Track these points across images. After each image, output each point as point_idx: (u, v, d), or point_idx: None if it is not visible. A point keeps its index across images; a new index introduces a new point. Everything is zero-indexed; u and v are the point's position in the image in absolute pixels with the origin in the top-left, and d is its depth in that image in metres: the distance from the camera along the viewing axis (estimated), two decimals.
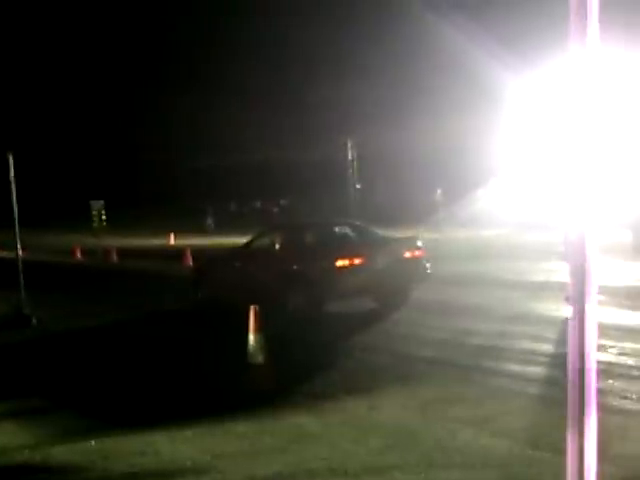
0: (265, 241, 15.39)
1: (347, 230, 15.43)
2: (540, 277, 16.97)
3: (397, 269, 13.73)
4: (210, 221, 53.80)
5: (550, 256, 20.23)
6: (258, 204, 65.42)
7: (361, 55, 55.07)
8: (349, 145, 19.17)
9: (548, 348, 9.85)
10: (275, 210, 64.91)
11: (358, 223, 16.22)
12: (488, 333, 11.03)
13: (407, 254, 14.05)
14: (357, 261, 13.16)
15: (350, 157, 19.30)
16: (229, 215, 60.43)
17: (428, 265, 14.32)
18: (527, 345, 10.15)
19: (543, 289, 15.22)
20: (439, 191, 41.05)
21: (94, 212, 34.47)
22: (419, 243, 14.43)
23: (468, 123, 40.90)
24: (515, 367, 9.00)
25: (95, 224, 34.50)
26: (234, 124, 64.96)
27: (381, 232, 15.71)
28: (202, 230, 47.27)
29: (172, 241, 39.53)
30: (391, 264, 13.62)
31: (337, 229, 15.56)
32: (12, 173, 15.10)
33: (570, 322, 3.29)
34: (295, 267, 13.74)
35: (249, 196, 65.54)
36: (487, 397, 7.75)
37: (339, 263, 13.08)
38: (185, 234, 40.78)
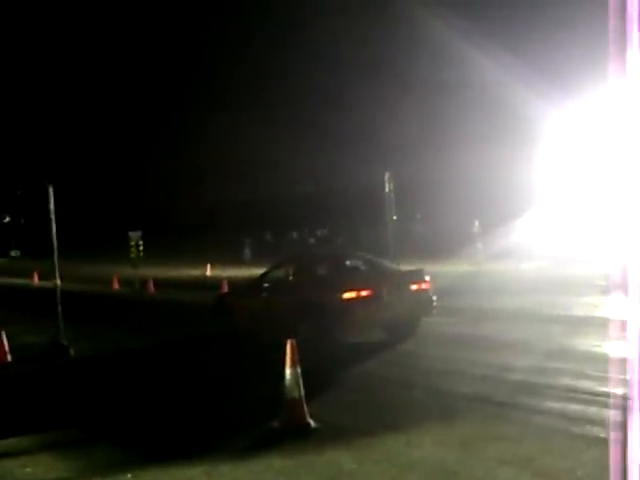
0: (280, 272, 15.91)
1: (358, 262, 15.77)
2: (580, 312, 16.67)
3: (404, 301, 14.10)
4: (247, 252, 53.93)
5: (591, 290, 19.93)
6: (294, 235, 65.52)
7: (399, 87, 55.25)
8: (387, 177, 19.10)
9: (590, 385, 9.62)
10: (312, 241, 64.96)
11: (369, 256, 16.35)
12: (528, 369, 10.83)
13: (414, 286, 14.36)
14: (364, 293, 13.48)
15: (387, 189, 19.21)
16: (266, 246, 60.56)
17: (434, 298, 14.68)
18: (568, 382, 9.93)
19: (584, 324, 14.93)
20: (477, 222, 40.76)
21: (132, 242, 34.58)
22: (426, 276, 14.72)
23: (507, 154, 40.70)
24: (556, 405, 8.81)
25: (133, 254, 34.57)
26: (270, 157, 65.38)
27: (390, 265, 16.04)
28: (239, 261, 47.38)
29: (209, 272, 39.67)
30: (398, 296, 13.97)
31: (348, 261, 15.96)
32: (52, 205, 15.30)
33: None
34: (305, 298, 14.00)
35: (286, 227, 65.71)
36: (527, 435, 7.59)
37: (346, 295, 13.40)
38: (222, 265, 40.92)
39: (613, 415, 7.90)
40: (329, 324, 13.33)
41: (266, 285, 15.52)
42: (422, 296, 14.43)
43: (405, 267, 18.46)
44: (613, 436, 7.07)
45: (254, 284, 16.20)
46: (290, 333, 13.09)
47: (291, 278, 15.33)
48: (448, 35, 43.97)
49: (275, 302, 14.88)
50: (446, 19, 44.82)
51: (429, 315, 14.82)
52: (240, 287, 18.09)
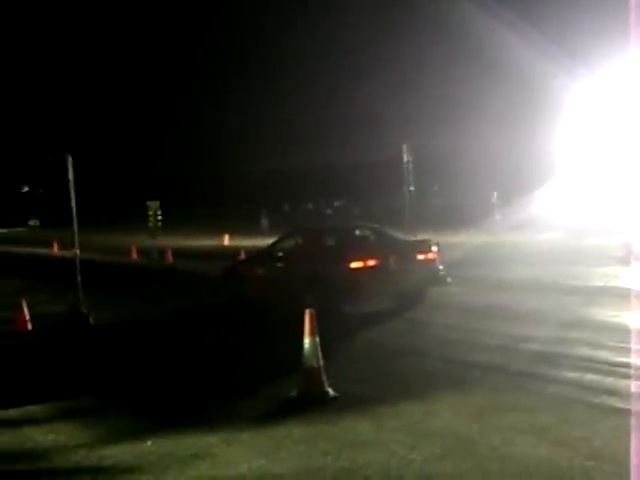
0: (289, 243, 16.16)
1: (366, 233, 16.13)
2: (598, 282, 16.64)
3: (411, 271, 14.35)
4: (264, 222, 54.03)
5: (608, 261, 19.88)
6: (311, 206, 65.52)
7: (419, 60, 54.92)
8: (404, 148, 19.06)
9: (607, 355, 9.64)
10: (328, 211, 64.94)
11: (377, 227, 16.75)
12: (544, 339, 10.85)
13: (421, 257, 14.63)
14: (371, 263, 13.75)
15: (405, 160, 19.19)
16: (283, 216, 60.65)
17: (442, 267, 15.05)
18: (585, 352, 9.94)
19: (601, 294, 14.93)
20: (495, 194, 40.62)
21: (150, 212, 34.70)
22: (433, 247, 14.93)
23: (525, 126, 40.44)
24: (572, 375, 8.82)
25: (151, 224, 34.72)
26: (290, 129, 65.23)
27: (398, 235, 16.30)
28: (256, 231, 47.46)
29: (226, 242, 39.82)
30: (405, 266, 14.19)
31: (356, 232, 16.35)
32: (71, 174, 15.35)
33: None
34: (313, 268, 14.25)
35: (303, 198, 65.69)
36: (544, 405, 7.62)
37: (353, 265, 13.67)
38: (239, 235, 41.04)
39: (635, 386, 7.94)
40: (337, 294, 13.55)
41: (275, 255, 15.76)
42: (429, 266, 14.74)
43: (420, 237, 18.57)
44: (634, 407, 7.13)
45: (264, 254, 16.53)
46: (298, 303, 13.42)
47: (300, 248, 15.59)
48: (468, 8, 43.55)
49: (284, 272, 15.16)
50: None
51: (435, 285, 15.15)
52: (250, 257, 18.37)
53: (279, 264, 15.49)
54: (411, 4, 60.33)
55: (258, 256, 17.13)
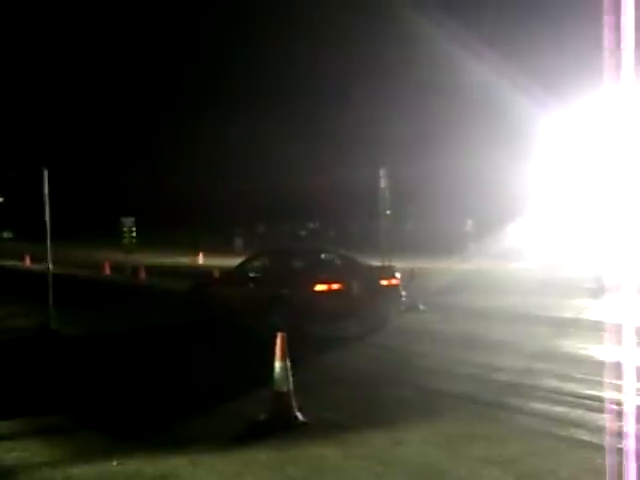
0: (256, 263, 16.47)
1: (331, 257, 16.58)
2: (568, 314, 16.77)
3: (373, 295, 14.72)
4: (239, 242, 53.98)
5: (579, 293, 20.03)
6: (287, 227, 65.52)
7: (392, 88, 55.18)
8: (381, 173, 19.20)
9: (575, 387, 9.68)
10: (303, 233, 64.96)
11: (342, 252, 17.30)
12: (514, 370, 10.89)
13: (384, 282, 15.03)
14: (335, 286, 14.06)
15: (382, 184, 19.32)
16: (258, 237, 60.59)
17: (404, 293, 15.62)
18: (554, 384, 9.99)
19: (571, 326, 15.03)
20: (469, 222, 40.88)
21: (125, 229, 34.62)
22: (396, 272, 15.52)
23: (501, 157, 40.80)
24: (541, 406, 8.85)
25: (125, 240, 34.62)
26: (267, 150, 65.31)
27: (362, 261, 16.47)
28: (231, 251, 47.38)
29: (201, 260, 39.73)
30: (368, 291, 14.56)
31: (322, 256, 16.77)
32: (46, 188, 15.28)
33: None
34: (278, 289, 14.51)
35: (279, 219, 65.71)
36: (513, 436, 7.64)
37: (317, 287, 13.96)
38: (214, 254, 40.93)
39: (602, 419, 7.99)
40: (300, 315, 13.71)
41: (242, 275, 15.94)
42: (391, 291, 15.16)
43: (395, 263, 18.70)
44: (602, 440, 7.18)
45: (230, 274, 16.73)
46: (263, 323, 13.98)
47: (266, 270, 15.84)
48: (442, 37, 44.05)
49: (249, 292, 15.32)
50: (440, 21, 44.94)
51: (397, 310, 15.61)
52: (217, 276, 18.64)
53: (245, 284, 15.62)
54: (384, 31, 60.74)
55: (225, 276, 17.37)
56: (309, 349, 12.36)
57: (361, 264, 16.16)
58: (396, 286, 15.28)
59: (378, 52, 58.32)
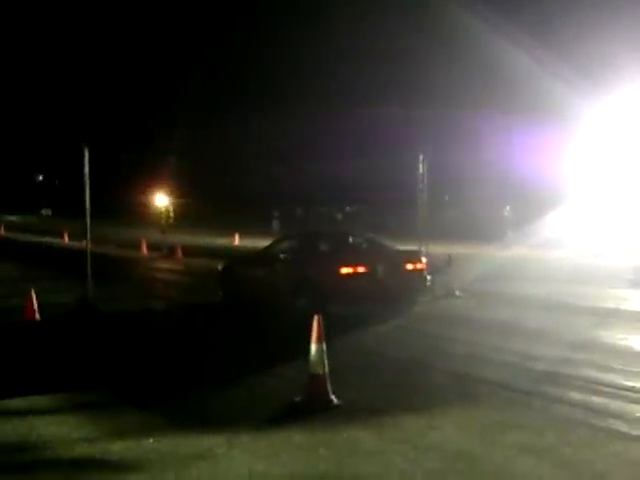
0: (283, 246, 16.71)
1: (358, 240, 16.79)
2: (609, 304, 16.55)
3: (398, 279, 14.83)
4: (275, 224, 54.15)
5: (619, 283, 19.78)
6: (324, 210, 65.54)
7: (438, 74, 54.70)
8: (420, 158, 19.06)
9: (614, 378, 9.56)
10: (339, 217, 64.93)
11: (369, 235, 17.61)
12: (552, 359, 10.78)
13: (409, 266, 15.17)
14: (360, 269, 14.23)
15: (420, 170, 19.18)
16: (295, 220, 60.70)
17: (429, 278, 15.89)
18: (592, 374, 9.88)
19: (611, 316, 14.85)
20: (507, 208, 40.56)
21: (162, 208, 34.96)
22: (422, 257, 15.77)
23: (539, 145, 40.39)
24: (579, 396, 8.75)
25: (163, 220, 34.95)
26: (308, 133, 65.28)
27: (390, 245, 16.73)
28: (267, 233, 47.57)
29: (237, 241, 39.91)
30: (393, 274, 14.70)
31: (349, 239, 16.92)
32: (87, 167, 15.40)
33: None
34: (304, 271, 14.77)
35: (318, 202, 65.74)
36: (549, 425, 7.56)
37: (343, 270, 14.13)
38: (250, 236, 41.08)
39: None
40: (325, 297, 13.81)
41: (270, 257, 16.19)
42: (417, 275, 15.32)
43: (432, 249, 18.68)
44: None
45: (260, 255, 16.98)
46: (289, 305, 14.38)
47: (293, 252, 16.06)
48: (482, 25, 43.62)
49: (277, 274, 15.59)
50: (480, 9, 44.55)
51: (422, 293, 15.91)
52: (247, 257, 18.79)
53: (273, 266, 15.86)
54: (419, 21, 60.16)
55: (254, 257, 17.54)
56: (340, 332, 12.30)
57: (387, 248, 16.33)
58: (421, 270, 15.42)
59: (418, 41, 57.86)
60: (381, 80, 64.30)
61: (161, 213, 36.29)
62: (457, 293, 17.82)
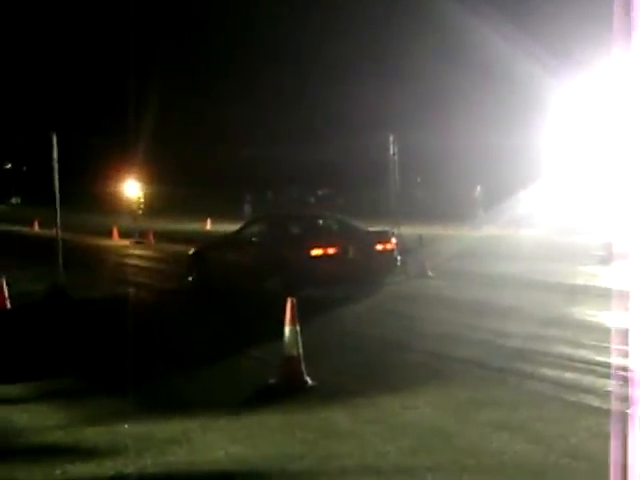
0: (253, 229, 16.72)
1: (328, 222, 16.87)
2: (578, 281, 16.71)
3: (369, 260, 15.02)
4: (247, 208, 53.97)
5: (589, 260, 19.96)
6: (295, 193, 65.47)
7: (404, 53, 54.63)
8: (391, 139, 19.09)
9: (585, 354, 9.66)
10: (312, 200, 64.92)
11: (340, 216, 17.64)
12: (524, 336, 10.87)
13: (379, 247, 15.40)
14: (330, 251, 14.37)
15: (392, 151, 19.22)
16: (266, 203, 60.57)
17: (399, 258, 16.10)
18: (563, 350, 9.98)
19: (581, 293, 14.99)
20: (478, 188, 40.75)
21: (133, 195, 34.82)
22: (392, 237, 15.98)
23: (510, 124, 40.57)
24: (551, 372, 8.85)
25: (134, 207, 34.75)
26: (279, 117, 65.07)
27: (359, 226, 16.78)
28: (239, 217, 47.44)
29: (208, 226, 39.77)
30: (363, 255, 14.88)
31: (319, 221, 17.00)
32: (55, 153, 15.27)
33: None
34: (275, 254, 14.81)
35: (289, 186, 65.65)
36: (522, 401, 7.65)
37: (314, 252, 14.26)
38: (222, 220, 40.95)
39: (612, 386, 7.97)
40: (296, 279, 13.90)
41: (240, 240, 16.26)
42: (387, 256, 15.55)
43: (404, 229, 18.77)
44: (611, 406, 7.17)
45: (229, 239, 17.03)
46: (260, 288, 14.52)
47: (263, 235, 16.11)
48: (455, 6, 43.62)
49: (247, 257, 15.60)
50: None
51: (393, 274, 16.13)
52: (216, 241, 18.81)
53: (243, 249, 15.90)
54: (397, 3, 60.07)
55: (223, 241, 17.58)
56: (313, 314, 12.29)
57: (358, 229, 16.40)
58: (391, 251, 15.64)
59: (386, 19, 57.83)
60: (353, 59, 64.15)
61: (131, 199, 36.00)
62: (429, 273, 17.89)
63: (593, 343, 10.24)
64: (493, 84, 45.79)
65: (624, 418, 6.48)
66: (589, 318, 12.29)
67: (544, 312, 12.90)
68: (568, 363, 9.23)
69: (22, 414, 7.53)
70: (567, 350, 9.96)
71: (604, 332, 10.92)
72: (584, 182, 32.10)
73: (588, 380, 8.37)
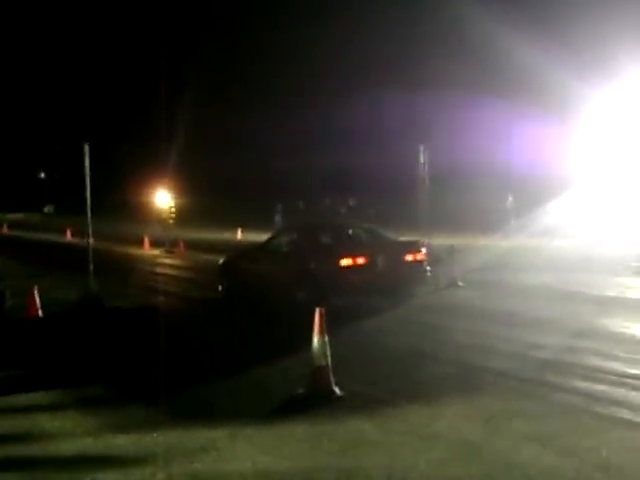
0: (283, 239, 16.74)
1: (358, 232, 16.67)
2: (612, 292, 16.49)
3: (398, 270, 14.93)
4: (278, 217, 54.04)
5: (623, 271, 19.72)
6: (327, 203, 65.53)
7: (437, 64, 54.59)
8: (421, 149, 19.04)
9: (617, 366, 9.53)
10: (343, 210, 64.86)
11: (369, 226, 17.56)
12: (556, 347, 10.76)
13: (409, 257, 15.20)
14: (360, 261, 14.23)
15: (422, 160, 19.16)
16: (298, 213, 60.65)
17: (429, 268, 15.95)
18: (596, 362, 9.86)
19: (615, 304, 14.80)
20: (510, 198, 40.48)
21: (165, 204, 35.07)
22: (422, 247, 15.74)
23: (543, 134, 40.32)
24: (583, 384, 8.74)
25: (165, 216, 35.01)
26: (311, 127, 65.32)
27: (390, 236, 16.65)
28: (270, 226, 47.54)
29: (239, 236, 39.89)
30: (392, 265, 14.76)
31: (349, 231, 16.81)
32: (87, 162, 15.43)
33: None
34: (304, 264, 14.76)
35: (320, 196, 65.78)
36: (553, 413, 7.56)
37: (343, 262, 14.13)
38: (253, 230, 41.06)
39: None
40: (325, 289, 13.87)
41: (269, 250, 16.27)
42: (416, 266, 15.38)
43: (435, 239, 18.68)
44: None
45: (259, 249, 16.95)
46: (289, 298, 14.47)
47: (293, 244, 16.10)
48: (487, 16, 43.53)
49: (277, 267, 15.61)
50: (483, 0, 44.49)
51: (422, 284, 15.94)
52: (245, 251, 18.86)
53: (273, 259, 15.92)
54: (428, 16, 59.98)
55: (253, 251, 17.56)
56: (342, 324, 12.28)
57: (387, 239, 16.30)
58: (421, 261, 15.49)
59: (421, 29, 57.82)
60: (383, 68, 64.21)
61: (163, 209, 36.25)
62: (460, 283, 17.79)
63: (625, 355, 10.10)
64: (525, 93, 45.60)
65: None
66: (622, 330, 12.13)
67: (576, 323, 12.75)
68: (600, 375, 9.10)
69: (53, 421, 7.60)
70: (599, 362, 9.83)
71: (637, 344, 10.80)
72: (617, 192, 31.80)
73: (620, 393, 8.25)
